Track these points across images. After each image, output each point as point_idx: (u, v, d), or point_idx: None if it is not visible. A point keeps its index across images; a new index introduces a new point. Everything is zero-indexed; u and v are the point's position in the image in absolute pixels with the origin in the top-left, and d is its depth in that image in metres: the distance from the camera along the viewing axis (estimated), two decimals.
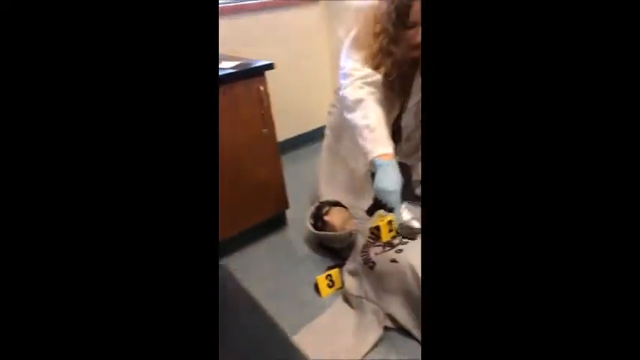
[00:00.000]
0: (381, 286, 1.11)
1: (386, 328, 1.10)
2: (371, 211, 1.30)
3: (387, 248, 1.15)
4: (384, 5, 1.11)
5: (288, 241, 1.61)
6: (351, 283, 1.19)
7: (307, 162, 2.07)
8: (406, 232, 1.16)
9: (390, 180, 1.12)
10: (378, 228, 1.22)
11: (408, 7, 1.07)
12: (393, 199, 1.13)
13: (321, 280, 1.27)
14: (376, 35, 1.14)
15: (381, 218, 1.25)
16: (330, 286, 1.28)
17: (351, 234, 1.32)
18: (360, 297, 1.15)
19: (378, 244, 1.21)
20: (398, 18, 1.10)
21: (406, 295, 1.05)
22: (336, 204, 1.48)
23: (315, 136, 2.23)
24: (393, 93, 1.25)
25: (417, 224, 1.17)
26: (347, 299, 1.20)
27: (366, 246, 1.22)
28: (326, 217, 1.41)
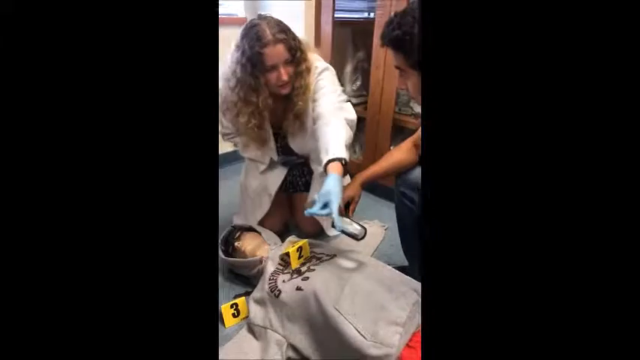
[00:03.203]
0: (285, 314, 1.06)
1: None
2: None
3: (295, 276, 1.12)
4: (235, 57, 1.17)
5: None
6: (256, 312, 1.13)
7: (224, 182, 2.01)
8: (342, 227, 1.07)
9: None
10: (288, 254, 1.19)
11: (261, 54, 1.12)
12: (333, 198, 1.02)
13: (226, 310, 1.20)
14: (232, 89, 1.22)
15: (292, 244, 1.23)
16: (235, 316, 1.21)
17: (261, 260, 1.27)
18: (265, 327, 1.09)
19: (287, 271, 1.17)
20: (254, 67, 1.16)
21: (309, 321, 1.01)
22: (250, 229, 1.43)
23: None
24: (262, 138, 1.37)
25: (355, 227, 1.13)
26: (251, 329, 1.14)
27: (275, 273, 1.18)
28: (237, 243, 1.35)
